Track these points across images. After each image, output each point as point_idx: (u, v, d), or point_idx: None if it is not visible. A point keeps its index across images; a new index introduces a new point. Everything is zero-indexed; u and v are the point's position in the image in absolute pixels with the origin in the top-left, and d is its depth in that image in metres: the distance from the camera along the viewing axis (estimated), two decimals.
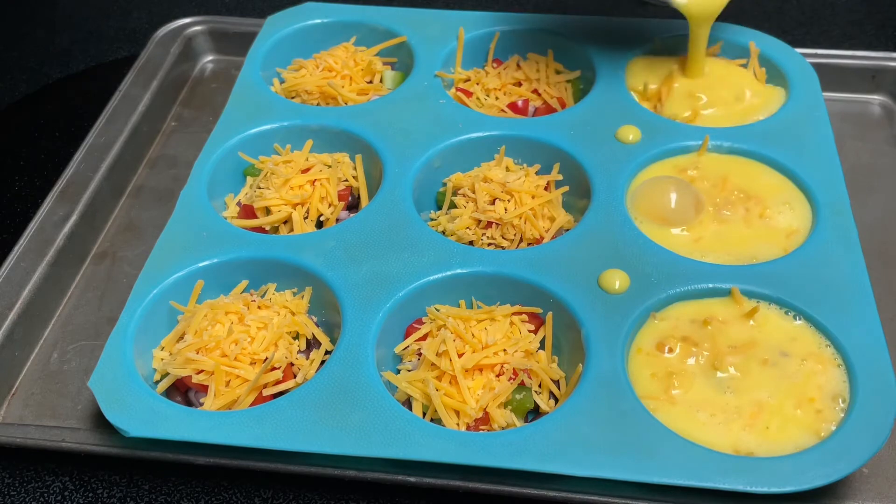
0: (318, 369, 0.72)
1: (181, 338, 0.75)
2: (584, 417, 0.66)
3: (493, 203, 0.81)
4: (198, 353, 0.71)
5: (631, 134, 0.88)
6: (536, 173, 0.86)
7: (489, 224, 0.81)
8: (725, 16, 1.17)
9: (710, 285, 0.75)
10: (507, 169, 0.85)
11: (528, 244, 0.81)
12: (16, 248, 0.84)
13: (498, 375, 0.70)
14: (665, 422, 0.66)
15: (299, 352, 0.73)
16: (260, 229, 0.83)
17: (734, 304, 0.74)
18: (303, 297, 0.78)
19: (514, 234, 0.81)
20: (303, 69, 0.99)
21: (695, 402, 0.68)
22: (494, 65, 0.99)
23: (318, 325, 0.77)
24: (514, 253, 0.78)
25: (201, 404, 0.70)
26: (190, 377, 0.71)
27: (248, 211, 0.85)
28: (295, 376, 0.72)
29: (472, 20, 1.03)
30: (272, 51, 1.02)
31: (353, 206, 0.87)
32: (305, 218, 0.83)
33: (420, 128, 0.90)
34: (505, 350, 0.70)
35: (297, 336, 0.74)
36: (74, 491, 0.72)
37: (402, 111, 0.93)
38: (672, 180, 0.84)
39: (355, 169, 0.88)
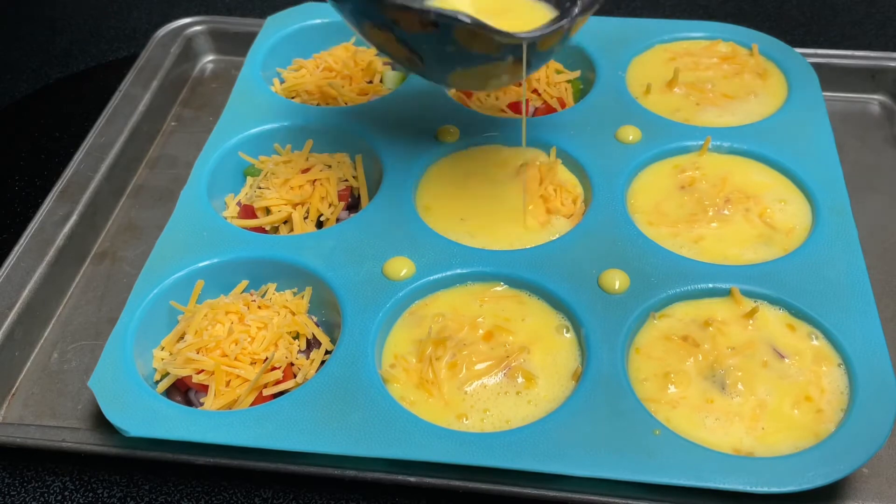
0: (318, 369, 0.72)
1: (181, 338, 0.75)
2: (584, 417, 0.66)
3: None
4: (198, 352, 0.71)
5: (631, 134, 0.88)
6: None
7: None
8: (725, 16, 1.17)
9: (710, 285, 0.75)
10: None
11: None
12: (16, 248, 0.84)
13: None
14: (665, 422, 0.66)
15: (299, 352, 0.73)
16: (260, 229, 0.83)
17: (734, 304, 0.74)
18: (303, 296, 0.78)
19: None
20: (303, 69, 0.99)
21: (694, 402, 0.68)
22: None
23: (318, 325, 0.77)
24: (515, 253, 0.79)
25: (201, 404, 0.70)
26: (190, 377, 0.71)
27: (248, 211, 0.85)
28: (295, 376, 0.72)
29: None
30: (272, 51, 1.02)
31: (353, 206, 0.87)
32: (305, 218, 0.83)
33: (420, 128, 0.90)
34: None
35: (297, 336, 0.74)
36: (75, 491, 0.72)
37: (402, 111, 0.93)
38: None
39: (355, 169, 0.88)
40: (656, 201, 0.84)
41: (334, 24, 1.04)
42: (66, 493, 0.72)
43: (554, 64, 0.99)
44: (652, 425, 0.66)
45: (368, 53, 1.01)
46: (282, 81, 1.00)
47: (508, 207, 0.84)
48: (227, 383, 0.70)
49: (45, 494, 0.72)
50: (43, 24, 1.25)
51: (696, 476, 0.63)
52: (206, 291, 0.78)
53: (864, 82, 1.02)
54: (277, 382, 0.71)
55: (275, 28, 1.04)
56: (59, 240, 0.86)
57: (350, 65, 0.98)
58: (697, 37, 1.01)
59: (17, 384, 0.78)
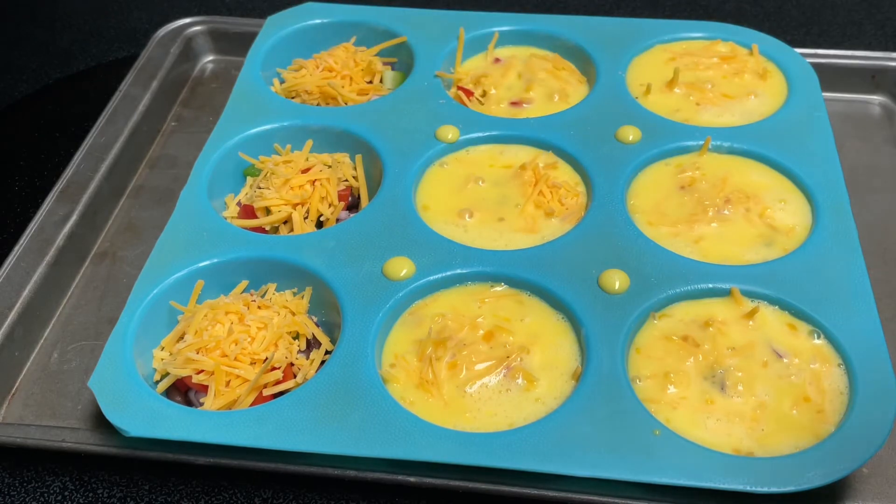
0: (318, 369, 0.72)
1: (181, 338, 0.75)
2: (584, 417, 0.66)
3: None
4: (198, 353, 0.71)
5: (631, 134, 0.88)
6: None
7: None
8: (725, 16, 1.17)
9: (710, 285, 0.75)
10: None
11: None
12: (16, 248, 0.84)
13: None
14: (665, 422, 0.66)
15: (299, 352, 0.73)
16: (260, 229, 0.83)
17: (734, 304, 0.74)
18: (303, 297, 0.78)
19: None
20: (303, 69, 0.99)
21: (694, 402, 0.68)
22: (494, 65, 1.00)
23: (318, 325, 0.77)
24: (515, 253, 0.79)
25: (201, 404, 0.70)
26: (190, 377, 0.71)
27: (248, 211, 0.85)
28: (295, 376, 0.72)
29: (473, 20, 1.03)
30: (272, 51, 1.02)
31: (353, 206, 0.87)
32: (305, 218, 0.83)
33: (420, 128, 0.90)
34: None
35: (297, 336, 0.74)
36: (74, 491, 0.72)
37: (402, 111, 0.93)
38: None
39: (355, 169, 0.88)
40: (656, 201, 0.84)
41: (334, 24, 1.04)
42: (66, 493, 0.72)
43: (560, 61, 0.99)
44: (652, 425, 0.66)
45: (368, 53, 1.01)
46: (282, 81, 1.00)
47: (508, 207, 0.84)
48: (227, 383, 0.70)
49: (45, 494, 0.72)
50: (43, 24, 1.25)
51: (696, 476, 0.63)
52: (206, 291, 0.78)
53: (864, 83, 1.02)
54: (277, 382, 0.71)
55: (275, 28, 1.04)
56: (60, 240, 0.86)
57: (350, 65, 0.98)
58: (697, 37, 1.01)
59: (17, 384, 0.78)
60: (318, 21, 1.05)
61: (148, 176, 0.98)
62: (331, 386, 0.69)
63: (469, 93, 0.96)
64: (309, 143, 0.91)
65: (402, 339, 0.73)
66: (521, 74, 0.98)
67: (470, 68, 1.00)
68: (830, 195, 0.82)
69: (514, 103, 0.94)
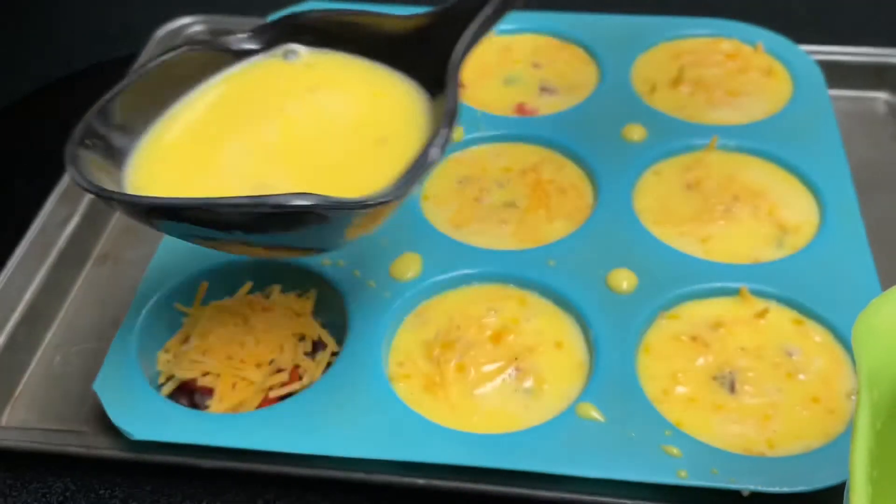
0: (324, 371, 0.72)
1: (186, 340, 0.74)
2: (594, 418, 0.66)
3: None
4: (203, 355, 0.71)
5: (636, 133, 0.88)
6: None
7: None
8: (730, 12, 1.17)
9: (719, 284, 0.74)
10: None
11: None
12: (17, 251, 0.84)
13: None
14: (675, 422, 0.66)
15: (305, 354, 0.73)
16: None
17: (743, 303, 0.73)
18: (308, 298, 0.77)
19: None
20: None
21: (705, 402, 0.68)
22: None
23: (323, 327, 0.76)
24: (521, 253, 0.78)
25: (207, 407, 0.70)
26: (195, 379, 0.70)
27: None
28: (301, 378, 0.72)
29: None
30: None
31: None
32: None
33: None
34: None
35: (302, 338, 0.74)
36: (76, 492, 0.71)
37: None
38: None
39: None
40: (663, 200, 0.83)
41: None
42: (68, 495, 0.71)
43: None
44: (662, 426, 0.65)
45: None
46: None
47: (513, 207, 0.83)
48: (233, 385, 0.70)
49: (47, 496, 0.71)
50: (43, 24, 1.24)
51: (706, 477, 0.62)
52: (211, 293, 0.78)
53: (870, 79, 1.02)
54: (283, 385, 0.71)
55: None
56: (61, 242, 0.85)
57: None
58: (702, 34, 1.01)
59: (20, 387, 0.77)
60: None
61: None
62: (337, 388, 0.68)
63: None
64: None
65: (409, 340, 0.73)
66: None
67: None
68: (838, 192, 0.82)
69: (518, 106, 0.94)
